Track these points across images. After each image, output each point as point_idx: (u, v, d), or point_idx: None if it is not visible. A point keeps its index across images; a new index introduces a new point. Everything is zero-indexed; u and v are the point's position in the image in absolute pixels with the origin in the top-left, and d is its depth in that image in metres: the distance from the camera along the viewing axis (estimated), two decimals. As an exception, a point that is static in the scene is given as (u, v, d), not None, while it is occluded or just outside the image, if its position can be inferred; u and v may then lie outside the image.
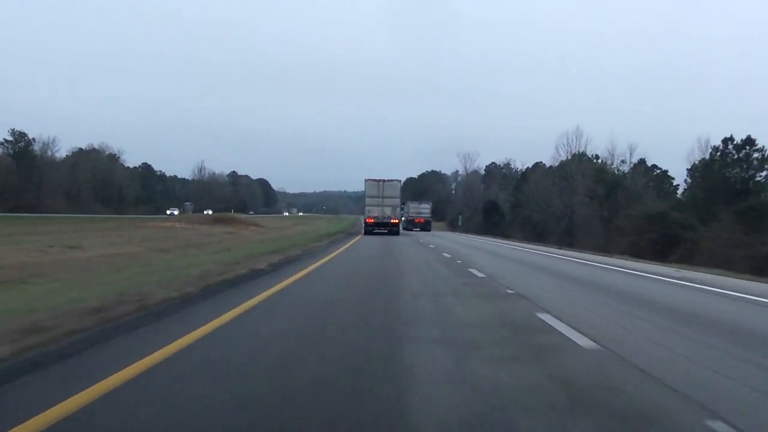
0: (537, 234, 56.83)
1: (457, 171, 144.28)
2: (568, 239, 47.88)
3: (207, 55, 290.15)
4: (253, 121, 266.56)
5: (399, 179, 43.17)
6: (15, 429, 3.26)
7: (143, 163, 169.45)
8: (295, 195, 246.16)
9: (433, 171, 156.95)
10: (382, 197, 40.79)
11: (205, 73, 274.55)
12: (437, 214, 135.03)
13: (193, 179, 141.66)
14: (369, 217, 41.48)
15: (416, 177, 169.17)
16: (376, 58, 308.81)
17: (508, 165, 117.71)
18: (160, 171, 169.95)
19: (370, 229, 40.85)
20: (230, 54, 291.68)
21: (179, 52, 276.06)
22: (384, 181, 41.76)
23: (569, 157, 63.05)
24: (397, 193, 42.03)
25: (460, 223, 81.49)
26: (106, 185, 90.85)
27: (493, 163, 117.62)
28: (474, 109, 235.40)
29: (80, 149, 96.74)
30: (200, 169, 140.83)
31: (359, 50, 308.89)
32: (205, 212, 69.62)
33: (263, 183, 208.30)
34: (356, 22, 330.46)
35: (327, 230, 47.28)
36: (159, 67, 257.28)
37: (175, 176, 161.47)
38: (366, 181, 42.13)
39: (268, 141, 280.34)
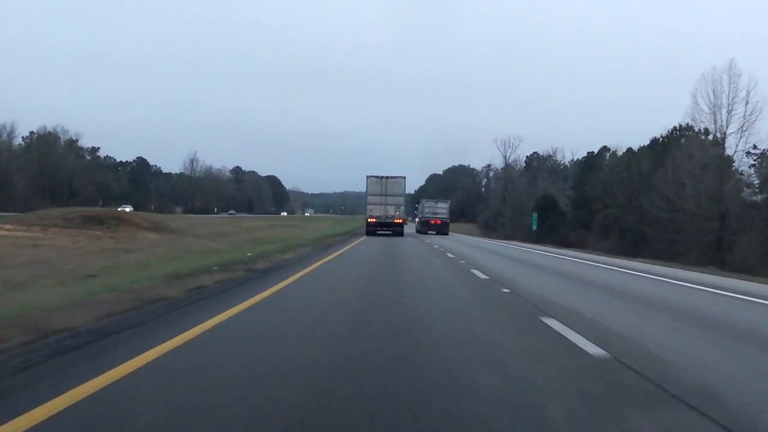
0: (628, 243, 37.27)
1: (489, 165, 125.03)
2: (716, 255, 28.04)
3: (219, 50, 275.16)
4: (271, 120, 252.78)
5: (403, 175, 39.23)
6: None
7: (137, 158, 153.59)
8: (313, 195, 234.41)
9: (460, 165, 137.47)
10: (385, 195, 37.70)
11: (219, 70, 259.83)
12: (466, 214, 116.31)
13: (183, 174, 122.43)
14: (371, 217, 38.16)
15: (441, 173, 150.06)
16: (395, 54, 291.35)
17: (551, 156, 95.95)
18: (156, 166, 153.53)
19: (373, 230, 37.78)
20: (246, 49, 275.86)
21: (188, 47, 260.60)
22: (387, 177, 38.32)
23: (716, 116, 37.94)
24: (402, 190, 39.04)
25: (534, 227, 53.33)
26: (59, 177, 73.24)
27: (536, 153, 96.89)
28: (507, 99, 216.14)
29: (32, 133, 79.19)
30: (192, 161, 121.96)
31: (378, 45, 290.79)
32: (120, 209, 51.08)
33: (273, 181, 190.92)
34: (374, 16, 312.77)
35: (298, 239, 29.09)
36: (168, 62, 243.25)
37: (175, 173, 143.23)
38: (368, 177, 38.44)
39: (288, 140, 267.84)
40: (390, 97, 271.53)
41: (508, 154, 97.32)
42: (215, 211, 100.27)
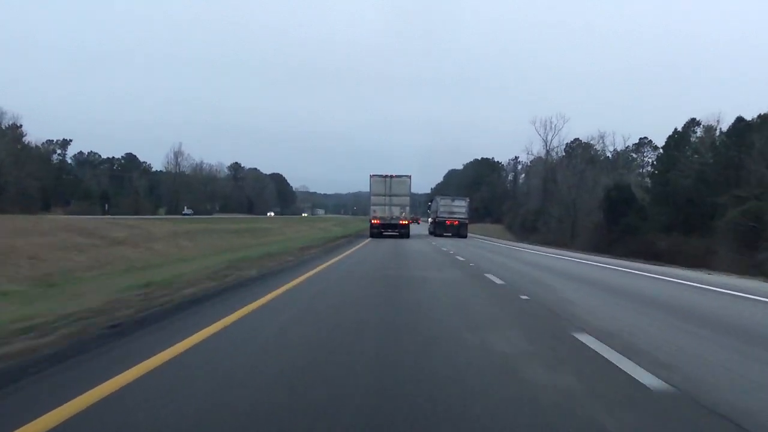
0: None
1: (516, 157, 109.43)
2: None
3: (218, 50, 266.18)
4: (278, 121, 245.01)
5: (409, 174, 37.63)
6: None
7: (126, 154, 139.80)
8: (327, 196, 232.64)
9: (483, 159, 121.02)
10: (390, 195, 36.38)
11: (218, 69, 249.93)
12: (492, 213, 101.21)
13: (166, 170, 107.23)
14: (374, 218, 36.60)
15: (461, 167, 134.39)
16: (396, 53, 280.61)
17: (590, 145, 77.97)
18: (146, 163, 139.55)
19: (378, 232, 36.19)
20: (246, 49, 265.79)
21: (186, 46, 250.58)
22: (392, 176, 37.01)
23: None
24: (407, 190, 37.55)
25: None
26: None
27: (577, 140, 80.00)
28: (537, 91, 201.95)
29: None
30: (176, 155, 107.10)
31: (379, 45, 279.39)
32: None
33: (278, 179, 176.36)
34: (384, 16, 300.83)
35: (202, 264, 13.83)
36: (167, 61, 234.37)
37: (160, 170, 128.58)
38: (371, 176, 37.12)
39: (297, 140, 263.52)
40: (396, 97, 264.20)
41: (549, 139, 79.40)
42: (183, 210, 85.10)
